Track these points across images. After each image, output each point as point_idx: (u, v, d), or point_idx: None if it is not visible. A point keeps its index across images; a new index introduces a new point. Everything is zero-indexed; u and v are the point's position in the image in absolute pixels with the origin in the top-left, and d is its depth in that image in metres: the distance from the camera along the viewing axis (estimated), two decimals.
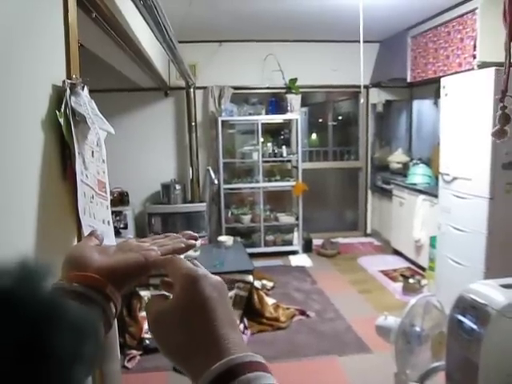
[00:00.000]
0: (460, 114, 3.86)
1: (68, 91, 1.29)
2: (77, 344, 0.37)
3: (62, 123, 1.22)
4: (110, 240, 1.43)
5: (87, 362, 0.38)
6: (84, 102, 1.34)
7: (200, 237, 5.38)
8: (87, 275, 0.51)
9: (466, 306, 1.52)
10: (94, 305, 0.49)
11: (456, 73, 4.35)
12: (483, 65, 3.84)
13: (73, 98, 1.30)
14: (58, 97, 1.28)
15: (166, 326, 0.49)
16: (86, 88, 1.44)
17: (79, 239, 1.40)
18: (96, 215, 1.34)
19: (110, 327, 0.52)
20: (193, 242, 0.62)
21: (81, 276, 0.51)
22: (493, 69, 3.38)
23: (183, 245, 0.60)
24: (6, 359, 0.31)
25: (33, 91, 1.18)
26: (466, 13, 4.32)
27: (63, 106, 1.25)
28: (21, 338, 0.32)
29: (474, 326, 1.46)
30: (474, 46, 4.14)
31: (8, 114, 1.03)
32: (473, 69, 4.08)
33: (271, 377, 0.44)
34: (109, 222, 1.44)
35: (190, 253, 4.27)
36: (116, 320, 0.55)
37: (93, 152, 1.41)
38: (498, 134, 0.99)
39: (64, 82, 1.31)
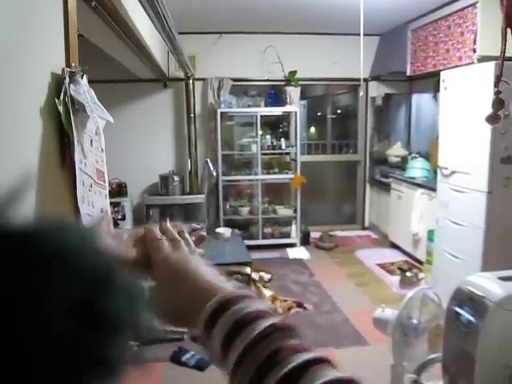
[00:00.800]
0: (459, 108, 3.85)
1: (67, 79, 1.29)
2: (133, 312, 0.37)
3: (61, 111, 1.22)
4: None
5: (141, 331, 0.38)
6: (83, 90, 1.34)
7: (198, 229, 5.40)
8: None
9: (463, 298, 1.52)
10: None
11: (456, 66, 4.34)
12: (483, 59, 3.83)
13: (72, 86, 1.30)
14: (57, 85, 1.27)
15: (160, 293, 0.54)
16: (85, 76, 1.44)
17: None
18: (94, 204, 1.34)
19: None
20: (203, 233, 0.65)
21: None
22: (493, 63, 3.37)
23: (194, 238, 0.63)
24: (59, 322, 0.30)
25: (32, 79, 1.17)
26: (467, 7, 4.30)
27: (62, 94, 1.24)
28: (83, 298, 0.32)
29: (472, 318, 1.47)
30: (474, 40, 4.13)
31: (7, 101, 1.02)
32: (473, 63, 4.07)
33: (261, 302, 0.50)
34: (107, 211, 1.45)
35: None
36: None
37: (92, 141, 1.40)
38: (492, 119, 0.99)
39: (63, 69, 1.31)
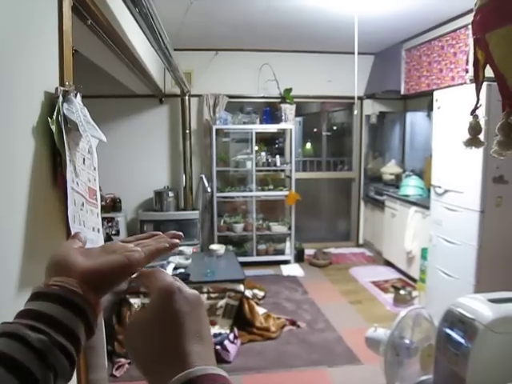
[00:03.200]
0: (452, 128, 3.88)
1: (61, 98, 1.29)
2: None
3: (54, 130, 1.22)
4: None
5: None
6: (76, 109, 1.35)
7: (192, 245, 5.38)
8: (68, 279, 0.51)
9: (453, 320, 1.52)
10: (74, 309, 0.49)
11: (449, 86, 4.39)
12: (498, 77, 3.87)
13: (65, 105, 1.30)
14: (51, 104, 1.28)
15: (136, 334, 0.50)
16: (79, 95, 1.44)
17: None
18: (86, 223, 1.33)
19: (91, 333, 0.51)
20: (176, 241, 0.61)
21: (61, 280, 0.50)
22: (484, 84, 3.40)
23: (167, 244, 0.59)
24: None
25: (25, 98, 1.18)
26: (459, 28, 4.37)
27: (55, 113, 1.25)
28: None
29: (462, 341, 1.46)
30: (467, 61, 4.19)
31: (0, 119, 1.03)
32: (465, 83, 4.12)
33: None
34: (99, 230, 1.44)
35: (182, 261, 4.26)
36: (104, 327, 0.55)
37: (84, 159, 1.40)
38: (471, 143, 1.00)
39: (57, 88, 1.31)
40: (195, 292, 0.53)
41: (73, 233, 1.22)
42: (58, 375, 0.46)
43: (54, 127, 1.22)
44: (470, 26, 4.20)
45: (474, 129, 0.93)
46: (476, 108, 0.96)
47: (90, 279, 0.51)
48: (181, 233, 0.62)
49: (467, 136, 0.94)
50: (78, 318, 0.49)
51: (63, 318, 0.48)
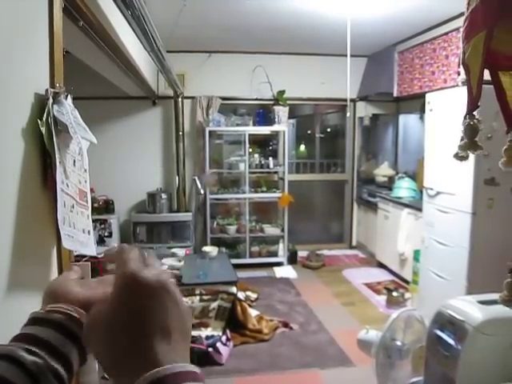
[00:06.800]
0: (444, 130, 3.90)
1: (51, 100, 1.29)
2: None
3: (44, 132, 1.22)
4: (90, 249, 1.42)
5: None
6: (67, 110, 1.34)
7: (185, 247, 5.37)
8: (65, 305, 0.51)
9: (444, 321, 1.53)
10: (70, 335, 0.50)
11: (441, 89, 4.41)
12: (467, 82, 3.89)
13: (55, 106, 1.30)
14: (41, 105, 1.27)
15: (96, 332, 0.46)
16: (69, 97, 1.44)
17: (58, 249, 1.39)
18: (76, 225, 1.33)
19: (84, 360, 0.52)
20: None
21: (59, 306, 0.51)
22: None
23: None
24: None
25: (15, 99, 1.17)
26: (451, 31, 4.40)
27: (45, 115, 1.24)
28: None
29: (452, 342, 1.47)
30: (459, 63, 4.20)
31: None
32: (457, 85, 4.14)
33: None
34: (89, 232, 1.43)
35: (174, 263, 4.25)
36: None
37: (74, 161, 1.40)
38: (468, 148, 1.01)
39: (47, 90, 1.31)
40: (160, 278, 0.45)
41: (62, 235, 1.21)
42: None
43: (43, 129, 1.22)
44: (464, 25, 4.23)
45: (473, 130, 0.94)
46: (473, 109, 0.97)
47: (86, 307, 0.51)
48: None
49: (463, 140, 0.94)
50: (74, 345, 0.50)
51: (58, 344, 0.48)
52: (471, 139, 0.96)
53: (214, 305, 3.88)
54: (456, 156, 0.98)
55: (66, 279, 0.57)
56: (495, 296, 1.68)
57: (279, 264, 6.07)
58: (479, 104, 1.01)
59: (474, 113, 1.07)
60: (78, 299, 0.53)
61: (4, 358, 0.45)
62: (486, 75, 1.06)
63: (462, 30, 0.99)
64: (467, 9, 1.00)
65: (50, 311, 0.51)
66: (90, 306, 0.51)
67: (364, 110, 6.59)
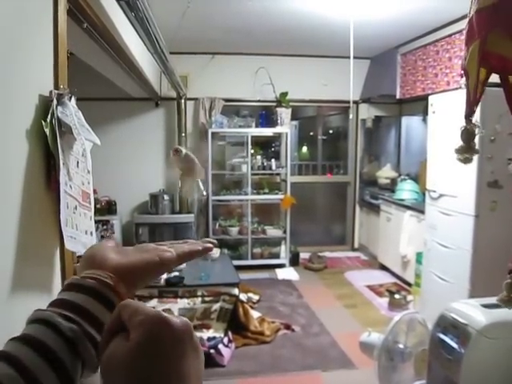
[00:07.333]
0: (447, 132, 3.89)
1: (55, 101, 1.29)
2: None
3: (48, 133, 1.22)
4: None
5: None
6: (70, 112, 1.34)
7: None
8: (100, 271, 0.52)
9: (447, 324, 1.52)
10: (105, 302, 0.51)
11: (444, 91, 4.40)
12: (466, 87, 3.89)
13: (59, 108, 1.30)
14: (45, 106, 1.28)
15: (115, 371, 0.42)
16: (73, 98, 1.44)
17: (61, 250, 1.39)
18: (79, 226, 1.33)
19: None
20: (209, 245, 0.61)
21: (94, 272, 0.52)
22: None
23: (200, 247, 0.60)
24: None
25: (20, 100, 1.17)
26: (454, 33, 4.40)
27: (49, 117, 1.24)
28: None
29: (455, 346, 1.46)
30: (462, 66, 4.20)
31: None
32: (460, 88, 4.12)
33: None
34: (92, 233, 1.44)
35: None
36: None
37: (78, 162, 1.40)
38: (465, 151, 1.01)
39: (51, 92, 1.31)
40: (185, 322, 0.43)
41: (65, 237, 1.22)
42: (85, 365, 0.48)
43: (47, 130, 1.22)
44: (464, 32, 4.23)
45: (469, 135, 0.94)
46: (470, 114, 0.97)
47: (122, 274, 0.53)
48: (215, 241, 0.63)
49: (460, 143, 0.95)
50: (108, 311, 0.50)
51: (94, 310, 0.49)
52: (468, 143, 0.97)
53: (216, 306, 3.87)
54: (459, 159, 0.98)
55: (103, 246, 0.58)
56: None
57: (281, 266, 6.06)
58: (475, 109, 1.02)
59: (474, 116, 1.08)
60: (113, 265, 0.54)
61: (42, 323, 0.46)
62: (492, 78, 1.07)
63: (464, 35, 1.01)
64: (468, 16, 1.02)
65: (86, 277, 0.52)
66: (125, 270, 0.53)
67: (367, 112, 6.58)
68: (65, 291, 0.51)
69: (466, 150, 0.97)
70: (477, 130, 1.01)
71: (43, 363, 0.44)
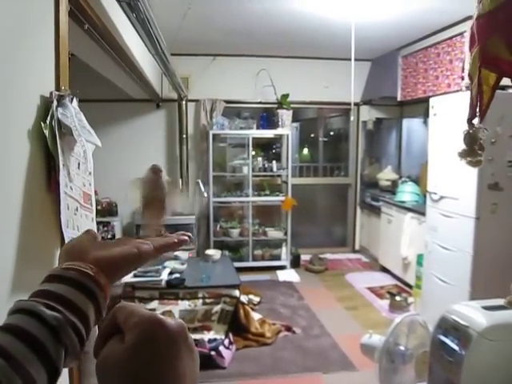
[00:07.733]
0: (448, 134, 3.90)
1: (55, 103, 1.29)
2: None
3: (47, 135, 1.22)
4: None
5: None
6: (71, 113, 1.34)
7: (188, 250, 5.36)
8: (81, 263, 0.53)
9: (448, 327, 1.52)
10: (86, 292, 0.51)
11: (445, 93, 4.41)
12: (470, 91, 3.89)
13: (60, 109, 1.30)
14: (46, 108, 1.28)
15: (110, 373, 0.43)
16: (75, 100, 1.44)
17: None
18: (80, 228, 1.33)
19: (100, 315, 0.53)
20: (185, 237, 0.63)
21: (75, 263, 0.53)
22: None
23: (175, 240, 0.62)
24: None
25: (21, 101, 1.18)
26: (455, 35, 4.40)
27: (49, 118, 1.24)
28: None
29: (456, 348, 1.46)
30: (463, 68, 4.21)
31: None
32: (461, 90, 4.13)
33: None
34: None
35: (177, 266, 4.25)
36: (97, 326, 0.55)
37: (79, 164, 1.40)
38: (467, 154, 1.02)
39: (52, 93, 1.31)
40: (180, 323, 0.44)
41: (66, 238, 1.22)
42: (68, 353, 0.48)
43: (46, 132, 1.22)
44: (465, 34, 4.24)
45: (472, 138, 0.95)
46: (472, 117, 0.98)
47: (102, 265, 0.54)
48: (190, 234, 0.64)
49: (462, 147, 0.95)
50: (89, 301, 0.51)
51: (76, 300, 0.50)
52: (470, 146, 0.97)
53: (217, 308, 3.87)
54: (470, 162, 0.98)
55: (83, 238, 0.60)
56: (499, 301, 1.68)
57: (282, 267, 6.06)
58: (485, 113, 1.02)
59: (475, 119, 1.08)
60: (93, 257, 0.55)
61: (25, 313, 0.47)
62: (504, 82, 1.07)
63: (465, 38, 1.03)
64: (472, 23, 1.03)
65: (66, 269, 0.52)
66: (105, 261, 0.55)
67: (368, 114, 6.59)
68: (46, 282, 0.52)
69: (469, 154, 0.97)
70: (481, 133, 1.01)
71: (29, 352, 0.44)
